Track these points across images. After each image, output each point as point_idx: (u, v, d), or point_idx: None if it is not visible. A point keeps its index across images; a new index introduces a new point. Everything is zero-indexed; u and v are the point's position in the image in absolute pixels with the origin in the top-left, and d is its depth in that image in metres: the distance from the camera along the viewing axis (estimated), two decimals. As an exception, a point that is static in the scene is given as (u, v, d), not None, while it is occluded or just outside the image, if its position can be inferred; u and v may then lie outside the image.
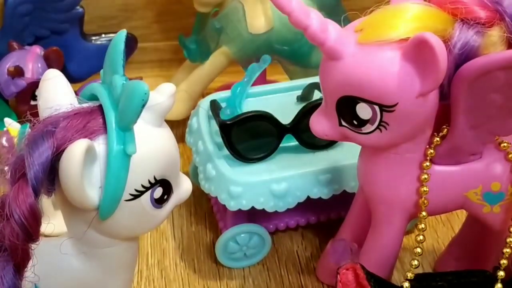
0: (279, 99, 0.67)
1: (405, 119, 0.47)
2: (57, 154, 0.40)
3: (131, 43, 0.79)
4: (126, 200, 0.42)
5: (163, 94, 0.43)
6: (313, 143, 0.62)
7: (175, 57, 0.84)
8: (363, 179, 0.54)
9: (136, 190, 0.42)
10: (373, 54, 0.45)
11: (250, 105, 0.65)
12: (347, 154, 0.62)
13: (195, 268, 0.65)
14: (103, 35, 0.78)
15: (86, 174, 0.40)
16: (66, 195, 0.41)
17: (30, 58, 0.71)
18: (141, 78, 0.81)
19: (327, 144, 0.63)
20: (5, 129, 0.65)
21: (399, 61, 0.45)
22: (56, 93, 0.43)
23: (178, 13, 0.83)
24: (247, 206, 0.60)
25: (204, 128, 0.64)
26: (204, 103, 0.66)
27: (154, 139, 0.43)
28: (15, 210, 0.38)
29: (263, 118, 0.61)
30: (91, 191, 0.41)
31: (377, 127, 0.47)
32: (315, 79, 0.67)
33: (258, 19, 0.72)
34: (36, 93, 0.45)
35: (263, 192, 0.60)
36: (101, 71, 0.43)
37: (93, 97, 0.43)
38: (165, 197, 0.44)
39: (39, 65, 0.71)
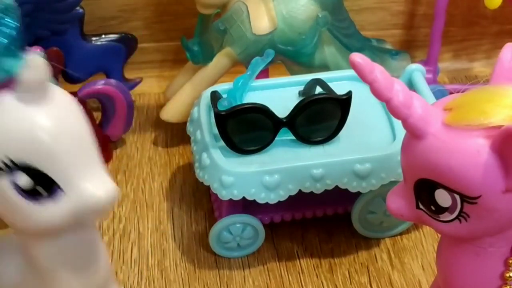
0: (281, 94, 0.67)
1: (489, 213, 0.42)
2: None
3: (131, 44, 0.79)
4: None
5: (29, 67, 0.39)
6: (308, 138, 0.62)
7: (175, 57, 0.84)
8: (440, 268, 0.49)
9: None
10: (458, 138, 0.41)
11: (251, 98, 0.65)
12: (342, 149, 0.62)
13: (195, 268, 0.65)
14: (103, 36, 0.78)
15: None
16: None
17: (30, 59, 0.71)
18: (141, 79, 0.81)
19: (323, 139, 0.62)
20: None
21: (486, 150, 0.40)
22: None
23: (178, 13, 0.83)
24: (238, 196, 0.60)
25: (203, 118, 0.64)
26: (206, 94, 0.66)
27: (13, 116, 0.39)
28: None
29: (259, 111, 0.61)
30: None
31: (457, 217, 0.43)
32: (318, 75, 0.67)
33: (262, 20, 0.71)
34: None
35: (255, 183, 0.60)
36: None
37: None
38: (42, 191, 0.41)
39: (39, 65, 0.71)
